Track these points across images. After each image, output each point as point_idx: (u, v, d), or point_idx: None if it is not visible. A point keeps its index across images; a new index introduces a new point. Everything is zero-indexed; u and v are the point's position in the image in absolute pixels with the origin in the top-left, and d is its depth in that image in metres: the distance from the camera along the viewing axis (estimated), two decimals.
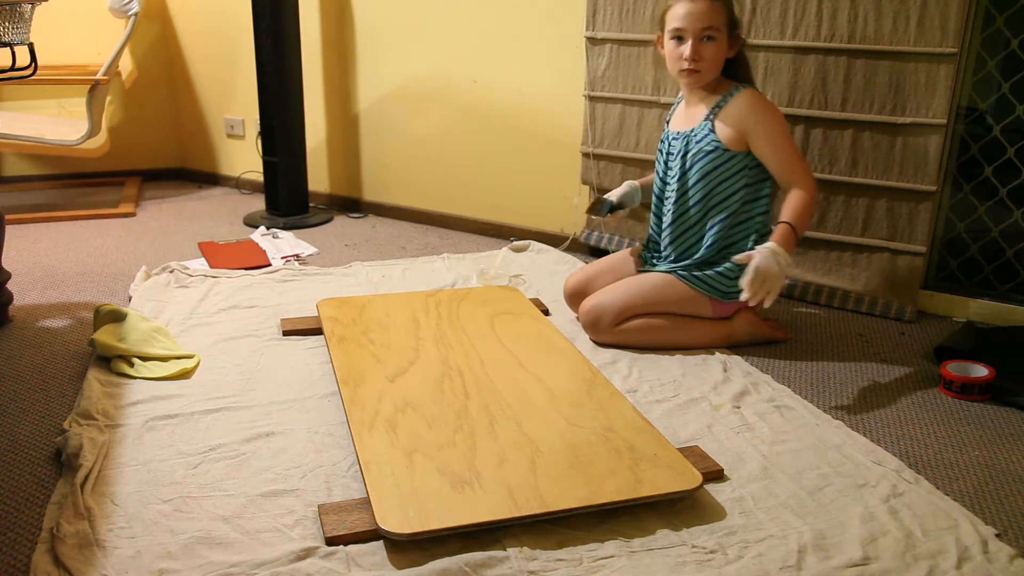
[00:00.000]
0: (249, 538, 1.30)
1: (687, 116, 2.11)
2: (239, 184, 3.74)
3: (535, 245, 2.87)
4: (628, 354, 2.02)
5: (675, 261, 2.13)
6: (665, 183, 2.15)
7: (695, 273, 2.06)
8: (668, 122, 2.19)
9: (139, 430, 1.61)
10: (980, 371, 1.89)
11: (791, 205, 1.95)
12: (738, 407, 1.77)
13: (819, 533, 1.34)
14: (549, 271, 2.63)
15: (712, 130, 2.02)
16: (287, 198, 3.23)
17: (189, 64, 3.76)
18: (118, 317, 2.00)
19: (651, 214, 2.22)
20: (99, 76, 3.08)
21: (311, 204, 3.37)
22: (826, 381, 1.95)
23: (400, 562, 1.25)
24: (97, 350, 1.90)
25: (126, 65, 3.72)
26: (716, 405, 1.78)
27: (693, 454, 1.53)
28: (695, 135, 2.05)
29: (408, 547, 1.28)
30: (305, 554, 1.26)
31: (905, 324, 2.31)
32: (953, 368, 1.90)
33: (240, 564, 1.23)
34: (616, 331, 2.05)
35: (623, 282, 2.10)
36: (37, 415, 1.71)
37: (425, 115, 3.16)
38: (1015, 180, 2.27)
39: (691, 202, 2.08)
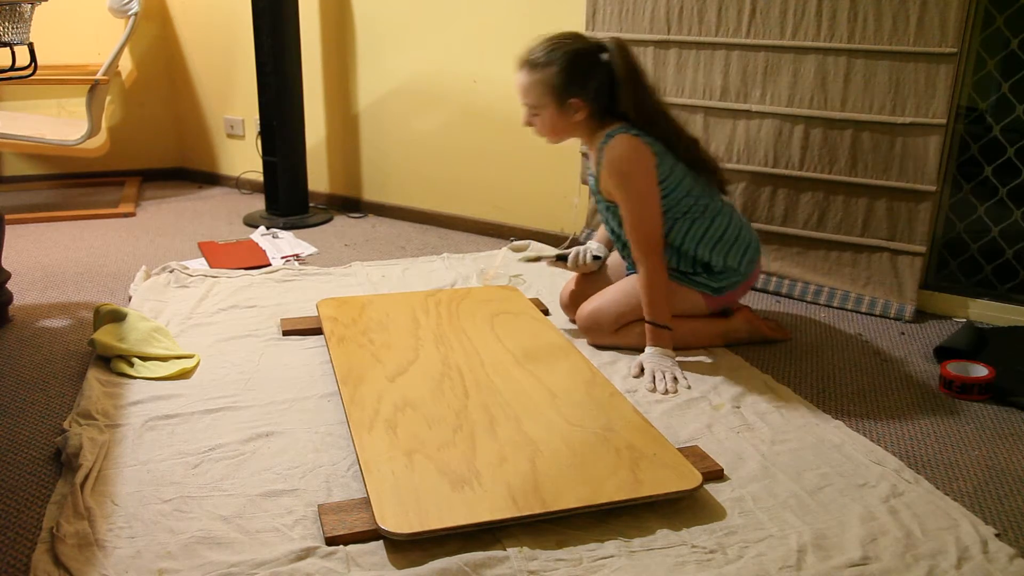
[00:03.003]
0: (249, 538, 1.30)
1: (592, 156, 2.04)
2: (239, 184, 3.74)
3: (535, 245, 2.87)
4: (628, 354, 2.02)
5: None
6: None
7: (683, 271, 2.05)
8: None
9: (139, 430, 1.61)
10: (980, 371, 1.89)
11: (642, 298, 1.93)
12: (738, 407, 1.77)
13: (819, 533, 1.34)
14: (549, 271, 2.63)
15: (599, 188, 2.01)
16: (287, 198, 3.22)
17: (189, 64, 3.76)
18: (118, 317, 2.01)
19: None
20: (99, 76, 3.08)
21: (311, 204, 3.37)
22: (826, 381, 1.95)
23: (400, 562, 1.25)
24: (97, 350, 1.90)
25: (126, 65, 3.72)
26: (716, 405, 1.78)
27: (693, 454, 1.53)
28: (595, 192, 2.04)
29: (408, 547, 1.28)
30: (305, 554, 1.26)
31: (905, 324, 2.31)
32: (953, 368, 1.90)
33: (240, 564, 1.23)
34: (614, 335, 2.05)
35: (616, 286, 2.08)
36: (37, 415, 1.71)
37: (425, 115, 3.16)
38: (1015, 180, 2.27)
39: (622, 241, 2.07)
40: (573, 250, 2.21)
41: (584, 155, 2.78)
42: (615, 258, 2.23)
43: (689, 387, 1.86)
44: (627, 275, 2.15)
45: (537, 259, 2.24)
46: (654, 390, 1.85)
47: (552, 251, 2.24)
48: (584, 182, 2.84)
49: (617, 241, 2.11)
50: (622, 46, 1.88)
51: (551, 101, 1.89)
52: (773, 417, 1.73)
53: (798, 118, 2.39)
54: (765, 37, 2.38)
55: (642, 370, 1.92)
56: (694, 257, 2.01)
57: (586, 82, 1.88)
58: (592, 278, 2.20)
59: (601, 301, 2.07)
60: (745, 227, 2.06)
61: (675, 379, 1.88)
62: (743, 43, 2.41)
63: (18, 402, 1.77)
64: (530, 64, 1.89)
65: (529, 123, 1.96)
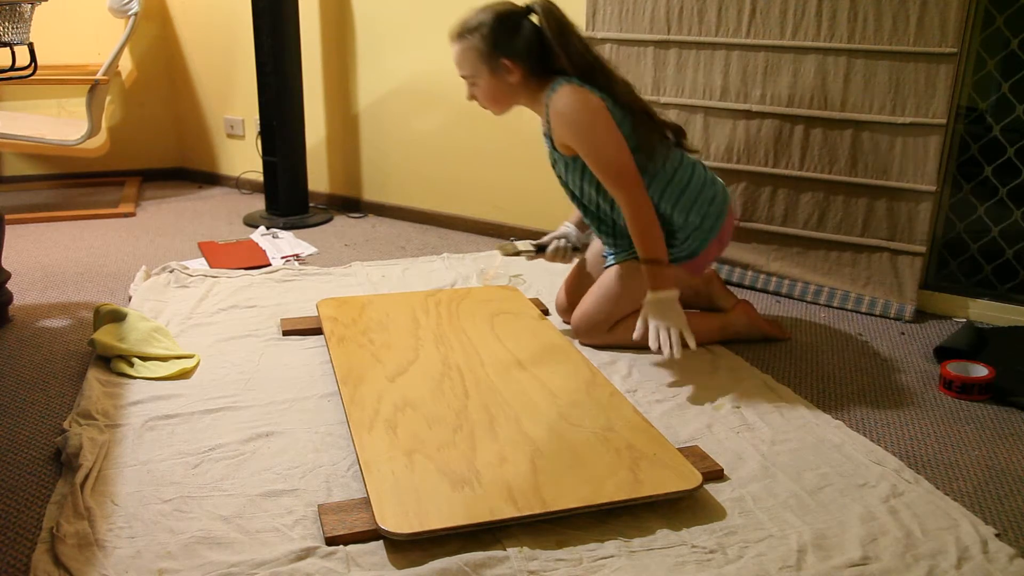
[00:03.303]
0: (249, 538, 1.30)
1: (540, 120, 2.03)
2: (239, 184, 3.74)
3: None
4: (628, 354, 2.02)
5: (620, 250, 2.07)
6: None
7: None
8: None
9: (139, 430, 1.61)
10: (980, 371, 1.89)
11: (633, 237, 1.89)
12: (738, 407, 1.77)
13: (819, 533, 1.34)
14: (549, 271, 2.63)
15: (555, 147, 1.97)
16: (287, 198, 3.23)
17: (189, 64, 3.76)
18: (118, 317, 2.01)
19: None
20: (99, 76, 3.08)
21: (311, 204, 3.37)
22: (826, 381, 1.95)
23: (400, 562, 1.25)
24: (97, 350, 1.90)
25: (126, 65, 3.72)
26: (716, 405, 1.78)
27: (693, 454, 1.53)
28: (552, 150, 2.01)
29: (408, 547, 1.28)
30: (305, 554, 1.26)
31: (905, 324, 2.31)
32: (953, 368, 1.90)
33: (240, 564, 1.23)
34: (610, 334, 2.04)
35: (599, 285, 2.07)
36: (37, 415, 1.71)
37: (425, 114, 3.16)
38: (1015, 180, 2.27)
39: (591, 206, 2.04)
40: (552, 241, 2.19)
41: None
42: (595, 247, 2.20)
43: (695, 347, 1.85)
44: (606, 266, 2.10)
45: (517, 253, 2.21)
46: (659, 350, 1.84)
47: (530, 244, 2.22)
48: None
49: (577, 203, 2.07)
50: (549, 5, 1.88)
51: (484, 67, 1.89)
52: (773, 417, 1.73)
53: (798, 118, 2.39)
54: (765, 37, 2.38)
55: (646, 329, 1.88)
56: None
57: (514, 42, 1.87)
58: (585, 281, 2.18)
59: (589, 303, 2.06)
60: (710, 180, 2.01)
61: (680, 337, 1.84)
62: (743, 43, 2.41)
63: (18, 402, 1.77)
64: (459, 33, 1.90)
65: (472, 96, 1.97)
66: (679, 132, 2.00)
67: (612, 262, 2.07)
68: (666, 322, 1.85)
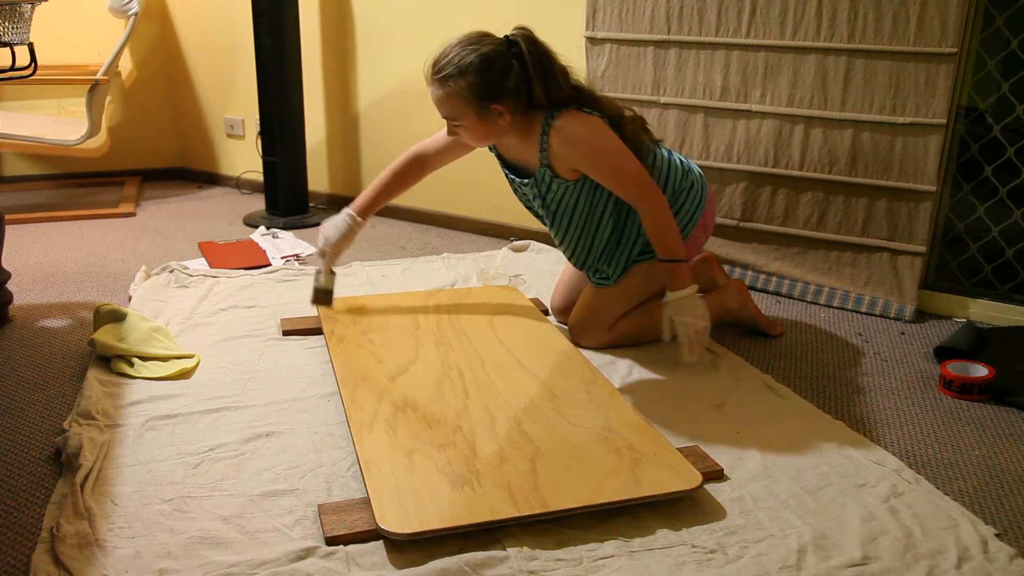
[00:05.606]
0: (249, 538, 1.30)
1: (521, 150, 1.96)
2: (239, 184, 3.74)
3: (535, 245, 2.88)
4: (628, 354, 2.02)
5: (594, 275, 2.06)
6: (542, 219, 2.07)
7: (635, 257, 2.00)
8: (502, 158, 2.05)
9: (139, 430, 1.61)
10: (980, 371, 1.89)
11: (650, 238, 1.88)
12: (739, 407, 1.76)
13: (819, 533, 1.34)
14: (549, 271, 2.63)
15: (555, 173, 1.90)
16: (287, 198, 3.23)
17: (189, 64, 3.76)
18: (118, 317, 2.01)
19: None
20: (99, 76, 3.08)
21: (311, 204, 3.37)
22: (826, 381, 1.95)
23: (400, 562, 1.25)
24: (97, 350, 1.90)
25: (126, 65, 3.72)
26: (716, 405, 1.77)
27: (693, 454, 1.53)
28: (542, 180, 1.93)
29: (408, 547, 1.28)
30: (305, 554, 1.26)
31: (905, 324, 2.31)
32: (953, 368, 1.90)
33: (240, 564, 1.23)
34: (610, 334, 2.04)
35: (590, 287, 2.06)
36: (37, 415, 1.71)
37: (425, 115, 3.16)
38: (1015, 180, 2.27)
39: (575, 238, 2.01)
40: (313, 290, 2.09)
41: None
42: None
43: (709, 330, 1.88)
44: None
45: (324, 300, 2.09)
46: (691, 360, 1.87)
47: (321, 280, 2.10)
48: None
49: (561, 231, 2.02)
50: (529, 37, 1.83)
51: (472, 111, 1.80)
52: (773, 417, 1.73)
53: (798, 118, 2.39)
54: (765, 37, 2.38)
55: (674, 334, 1.88)
56: (639, 230, 1.97)
57: (503, 84, 1.79)
58: (578, 282, 2.16)
59: (584, 307, 2.05)
60: (686, 168, 2.00)
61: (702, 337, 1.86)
62: (743, 43, 2.41)
63: (18, 402, 1.77)
64: (441, 77, 1.77)
65: (453, 134, 1.89)
66: (643, 123, 1.99)
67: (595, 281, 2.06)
68: (690, 318, 1.84)
